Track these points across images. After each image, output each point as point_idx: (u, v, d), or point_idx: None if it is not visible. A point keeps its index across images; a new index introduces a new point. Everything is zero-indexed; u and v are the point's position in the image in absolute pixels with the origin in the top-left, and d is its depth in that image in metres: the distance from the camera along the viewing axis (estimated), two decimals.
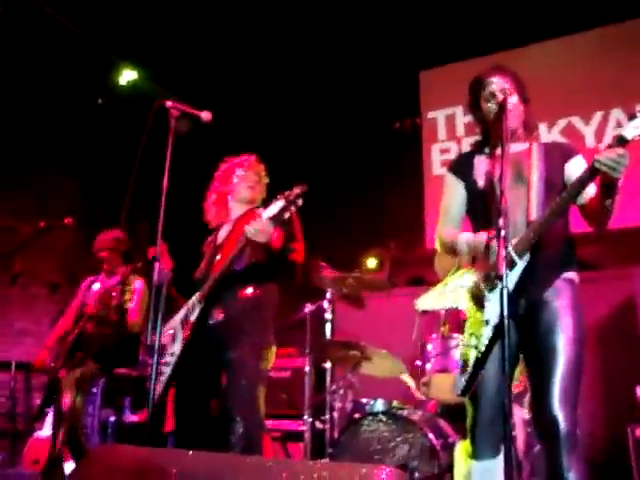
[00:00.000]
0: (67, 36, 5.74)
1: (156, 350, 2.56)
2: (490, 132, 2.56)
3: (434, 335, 3.90)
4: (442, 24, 5.97)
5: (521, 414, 3.48)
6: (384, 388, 4.26)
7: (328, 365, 4.21)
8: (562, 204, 2.22)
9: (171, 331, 2.89)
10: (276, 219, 2.66)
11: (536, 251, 2.26)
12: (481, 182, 2.51)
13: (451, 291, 2.44)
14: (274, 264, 2.90)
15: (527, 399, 3.44)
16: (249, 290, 2.88)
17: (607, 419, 4.54)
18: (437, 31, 6.03)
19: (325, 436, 4.06)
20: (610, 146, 2.09)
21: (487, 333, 2.24)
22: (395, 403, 3.81)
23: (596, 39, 5.78)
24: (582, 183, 2.19)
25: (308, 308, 4.32)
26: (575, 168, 2.40)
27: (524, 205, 2.37)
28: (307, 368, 4.24)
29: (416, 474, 3.33)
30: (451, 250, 2.52)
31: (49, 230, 4.17)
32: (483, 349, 2.23)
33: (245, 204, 3.25)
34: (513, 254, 2.22)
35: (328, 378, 4.18)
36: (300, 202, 2.67)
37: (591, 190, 2.32)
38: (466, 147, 6.10)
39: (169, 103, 2.77)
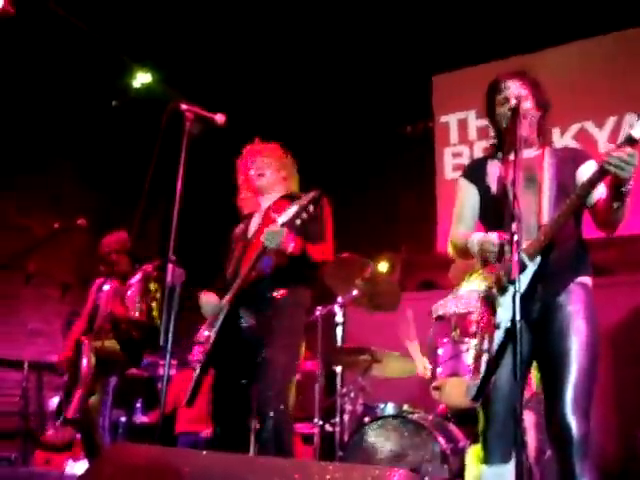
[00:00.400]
0: (82, 39, 5.79)
1: (168, 351, 2.57)
2: (503, 137, 2.55)
3: (445, 339, 3.89)
4: (455, 28, 5.97)
5: (532, 419, 3.46)
6: (395, 392, 4.26)
7: (339, 368, 4.21)
8: (572, 205, 2.21)
9: (206, 332, 2.90)
10: (290, 225, 2.65)
11: (548, 254, 2.25)
12: (494, 187, 2.51)
13: (464, 295, 2.44)
14: (297, 267, 2.88)
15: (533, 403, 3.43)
16: (277, 293, 2.88)
17: (619, 426, 4.51)
18: (450, 35, 6.03)
19: (335, 439, 4.05)
20: (619, 146, 2.08)
21: (499, 337, 2.23)
22: (405, 407, 3.81)
23: (610, 44, 5.75)
24: (591, 183, 2.18)
25: (319, 311, 4.32)
26: (586, 173, 2.37)
27: (535, 209, 2.36)
28: (318, 371, 4.24)
29: (426, 479, 3.32)
30: (463, 252, 2.51)
31: (63, 231, 4.20)
32: (494, 353, 2.23)
33: (270, 193, 3.19)
34: (524, 257, 2.22)
35: (339, 381, 4.18)
36: (312, 208, 2.66)
37: (601, 191, 2.31)
38: (478, 151, 6.10)
39: (183, 106, 2.78)
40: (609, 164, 2.07)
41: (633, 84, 5.52)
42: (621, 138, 2.09)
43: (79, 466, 4.16)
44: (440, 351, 3.85)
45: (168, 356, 2.59)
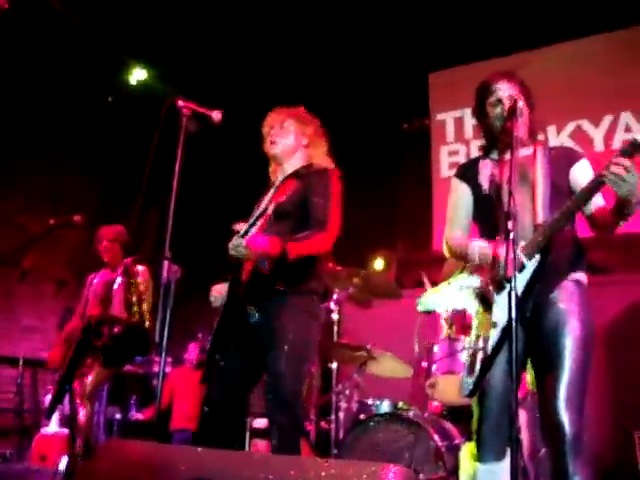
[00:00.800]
0: (78, 35, 5.78)
1: (163, 348, 2.56)
2: (496, 137, 2.56)
3: (441, 337, 3.90)
4: (452, 26, 5.97)
5: (526, 417, 3.48)
6: (390, 389, 4.27)
7: (334, 365, 4.22)
8: (569, 210, 2.22)
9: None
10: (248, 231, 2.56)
11: (546, 254, 2.25)
12: (486, 186, 2.52)
13: (456, 292, 2.44)
14: (284, 266, 2.63)
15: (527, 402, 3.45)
16: (280, 287, 2.66)
17: (614, 424, 4.53)
18: (447, 33, 6.03)
19: (330, 436, 4.06)
20: (622, 152, 2.08)
21: (495, 335, 2.24)
22: (401, 404, 3.82)
23: (606, 43, 5.77)
24: (589, 192, 2.19)
25: None
26: (580, 172, 2.41)
27: (530, 208, 2.36)
28: (313, 369, 4.24)
29: (421, 476, 3.33)
30: (460, 257, 2.52)
31: (59, 227, 4.18)
32: (490, 351, 2.23)
33: (287, 162, 2.93)
34: (522, 256, 2.22)
35: (334, 378, 4.19)
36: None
37: (598, 201, 2.33)
38: (474, 149, 6.11)
39: (180, 102, 2.77)
40: (607, 177, 2.08)
41: (629, 82, 5.54)
42: (625, 145, 2.09)
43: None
44: (436, 348, 3.87)
45: (164, 353, 2.59)
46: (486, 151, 2.64)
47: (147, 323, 4.24)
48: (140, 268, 4.34)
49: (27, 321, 4.58)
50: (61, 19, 5.57)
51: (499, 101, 2.49)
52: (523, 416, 3.44)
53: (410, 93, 6.52)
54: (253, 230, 2.69)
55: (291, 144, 2.92)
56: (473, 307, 2.38)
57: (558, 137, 5.82)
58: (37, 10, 5.42)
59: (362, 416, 3.79)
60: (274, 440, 2.51)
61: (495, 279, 2.30)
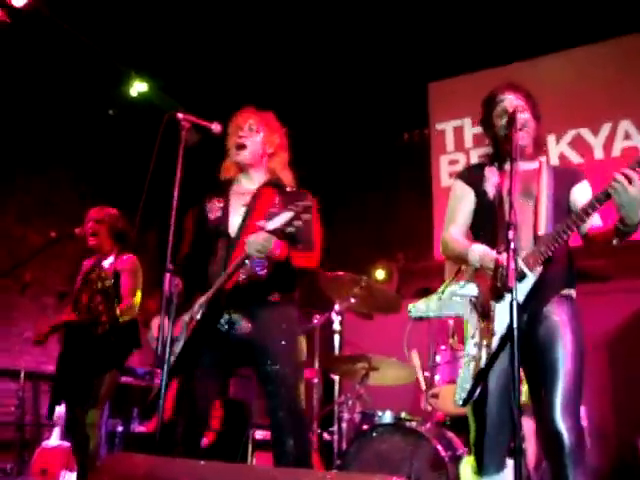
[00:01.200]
0: (79, 48, 5.81)
1: (166, 361, 2.55)
2: (501, 148, 2.57)
3: (443, 347, 3.90)
4: (451, 36, 6.00)
5: (532, 426, 3.46)
6: (392, 399, 4.26)
7: (336, 377, 4.21)
8: (575, 222, 2.24)
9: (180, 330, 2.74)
10: (279, 231, 2.43)
11: (547, 266, 2.27)
12: (491, 193, 2.53)
13: (450, 299, 2.42)
14: (278, 273, 2.67)
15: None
16: (274, 297, 2.67)
17: (617, 431, 4.51)
18: (446, 43, 6.06)
19: (333, 447, 4.05)
20: (631, 166, 2.11)
21: (493, 344, 2.24)
22: (403, 415, 3.81)
23: (605, 51, 5.79)
24: (598, 202, 2.21)
25: (317, 319, 4.32)
26: (580, 193, 2.46)
27: (531, 221, 2.39)
28: (315, 379, 4.24)
29: None
30: (458, 258, 2.50)
31: (59, 240, 4.16)
32: (487, 360, 2.23)
33: (249, 170, 2.86)
34: (523, 267, 2.23)
35: (336, 389, 4.18)
36: (308, 217, 2.44)
37: (595, 221, 2.37)
38: (474, 158, 6.13)
39: (180, 115, 2.77)
40: (611, 185, 2.12)
41: (628, 91, 5.56)
42: (634, 162, 2.12)
43: (74, 477, 4.12)
44: (438, 358, 3.87)
45: (166, 365, 2.57)
46: (492, 159, 2.64)
47: (125, 317, 3.90)
48: (127, 258, 4.03)
49: (28, 334, 4.56)
50: (62, 32, 5.60)
51: (504, 112, 2.50)
52: (528, 425, 3.42)
53: (409, 104, 6.54)
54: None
55: (258, 151, 2.86)
56: (468, 315, 2.37)
57: (558, 145, 5.83)
58: (38, 23, 5.45)
59: (365, 427, 3.77)
60: (288, 452, 2.48)
61: (494, 287, 2.30)
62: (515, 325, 1.97)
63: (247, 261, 2.56)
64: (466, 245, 2.44)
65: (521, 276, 2.21)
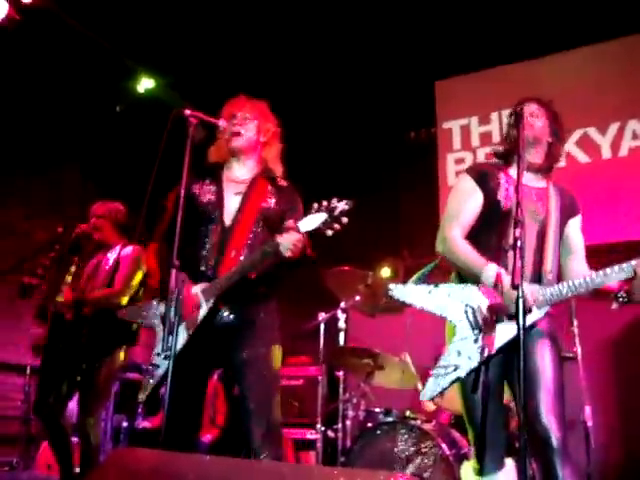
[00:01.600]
0: (86, 44, 5.82)
1: (171, 357, 2.55)
2: (511, 149, 2.59)
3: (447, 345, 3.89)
4: (458, 35, 5.98)
5: None
6: (397, 398, 4.26)
7: (341, 374, 4.21)
8: (589, 288, 2.26)
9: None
10: (312, 233, 2.34)
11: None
12: (507, 205, 2.48)
13: (444, 298, 2.38)
14: (284, 268, 2.62)
15: None
16: (260, 290, 2.65)
17: (622, 431, 4.50)
18: (453, 41, 6.04)
19: (337, 445, 4.06)
20: None
21: (475, 359, 2.26)
22: (408, 413, 3.81)
23: (613, 50, 5.77)
24: (618, 276, 2.26)
25: (322, 317, 4.33)
26: (574, 227, 2.56)
27: (535, 246, 2.42)
28: (320, 377, 4.24)
29: None
30: (464, 268, 2.45)
31: (66, 235, 4.18)
32: (465, 372, 2.26)
33: (242, 158, 2.84)
34: (531, 303, 2.24)
35: (341, 387, 4.18)
36: (345, 220, 2.31)
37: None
38: (481, 157, 6.12)
39: (187, 112, 2.77)
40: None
41: (636, 90, 5.53)
42: None
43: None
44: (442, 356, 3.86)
45: (171, 361, 2.58)
46: (500, 157, 2.64)
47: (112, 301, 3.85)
48: (129, 248, 4.03)
49: (37, 331, 4.58)
50: (69, 28, 5.61)
51: (516, 112, 2.48)
52: None
53: (416, 102, 6.53)
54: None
55: (252, 139, 2.83)
56: (458, 322, 2.33)
57: (565, 144, 5.81)
58: (45, 19, 5.46)
59: (369, 425, 3.78)
60: (253, 442, 2.44)
61: (502, 308, 2.28)
62: (522, 323, 1.98)
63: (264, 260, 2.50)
64: (480, 263, 2.36)
65: (528, 310, 2.22)
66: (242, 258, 2.61)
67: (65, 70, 6.06)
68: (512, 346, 2.28)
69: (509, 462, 2.45)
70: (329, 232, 2.31)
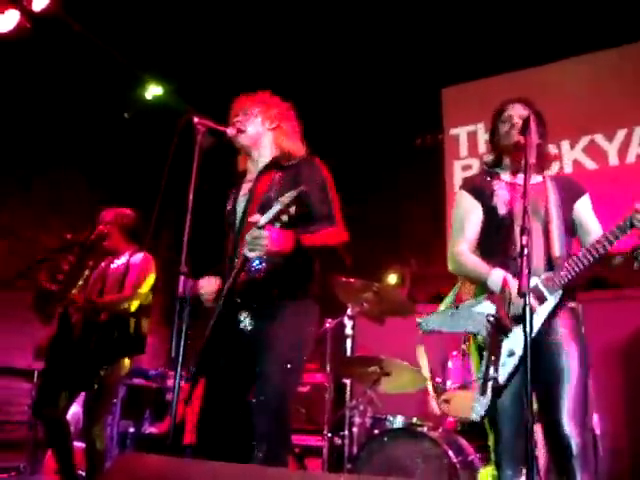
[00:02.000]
0: (94, 51, 5.86)
1: (179, 363, 2.56)
2: (503, 155, 2.60)
3: (455, 352, 3.89)
4: (465, 41, 6.00)
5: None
6: (404, 405, 4.25)
7: (348, 381, 4.21)
8: (598, 249, 2.27)
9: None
10: (273, 223, 2.28)
11: (566, 289, 2.32)
12: (503, 210, 2.52)
13: (467, 315, 2.43)
14: (292, 265, 2.52)
15: None
16: (275, 293, 2.55)
17: (630, 434, 4.48)
18: (459, 48, 6.06)
19: (344, 452, 4.04)
20: None
21: (511, 363, 2.25)
22: (415, 420, 3.80)
23: (620, 57, 5.76)
24: (622, 231, 2.25)
25: (329, 324, 4.33)
26: (584, 208, 2.53)
27: (541, 241, 2.41)
28: (327, 383, 4.24)
29: None
30: (473, 279, 2.50)
31: (74, 242, 4.19)
32: (505, 379, 2.25)
33: (257, 150, 2.83)
34: (544, 290, 2.25)
35: (348, 394, 4.17)
36: (293, 210, 2.28)
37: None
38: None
39: (195, 119, 2.78)
40: (634, 217, 2.16)
41: None
42: None
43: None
44: (450, 364, 3.86)
45: (179, 367, 2.58)
46: (492, 166, 2.66)
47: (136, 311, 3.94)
48: (139, 255, 4.07)
49: (42, 334, 4.61)
50: (77, 35, 5.65)
51: (509, 118, 2.54)
52: (540, 431, 3.40)
53: (422, 109, 6.54)
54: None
55: (257, 130, 2.80)
56: (485, 334, 2.37)
57: (572, 151, 5.80)
58: (54, 27, 5.50)
59: (376, 431, 3.78)
60: (259, 452, 2.37)
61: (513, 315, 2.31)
62: (529, 331, 1.98)
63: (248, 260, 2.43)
64: (486, 270, 2.41)
65: (541, 299, 2.23)
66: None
67: (74, 77, 6.10)
68: (535, 349, 2.30)
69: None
70: (285, 218, 2.28)
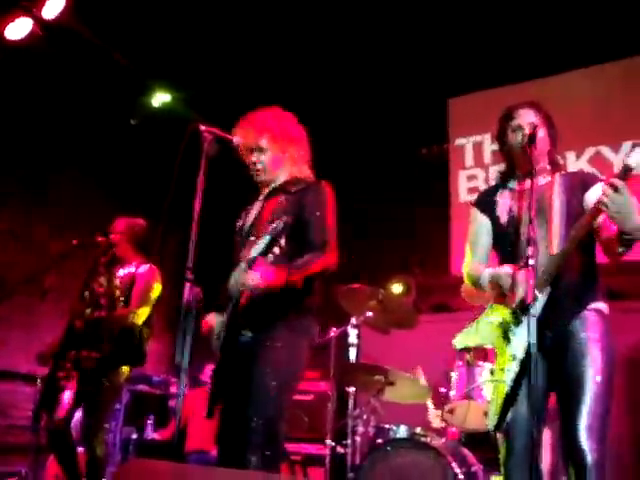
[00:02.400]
0: (102, 58, 5.90)
1: (183, 370, 2.57)
2: (515, 164, 2.59)
3: (459, 363, 3.89)
4: (471, 52, 6.02)
5: (549, 438, 3.44)
6: (407, 414, 4.24)
7: (351, 389, 4.20)
8: (575, 239, 2.25)
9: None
10: (263, 256, 2.42)
11: (556, 284, 2.27)
12: (504, 219, 2.55)
13: (484, 329, 2.46)
14: (282, 295, 2.59)
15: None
16: (275, 309, 2.63)
17: (635, 443, 4.46)
18: (466, 59, 6.08)
19: (346, 461, 4.04)
20: (618, 176, 2.10)
21: (514, 368, 2.25)
22: (418, 430, 3.79)
23: (626, 68, 5.77)
24: (591, 217, 2.22)
25: (333, 332, 4.33)
26: (593, 197, 2.38)
27: (545, 238, 2.39)
28: (330, 392, 4.23)
29: None
30: (476, 285, 2.57)
31: (81, 248, 4.23)
32: (511, 384, 2.24)
33: (274, 178, 2.92)
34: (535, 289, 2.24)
35: (351, 403, 4.17)
36: (282, 242, 2.44)
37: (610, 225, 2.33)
38: (493, 175, 6.11)
39: (202, 127, 2.81)
40: (601, 199, 2.11)
41: None
42: (618, 168, 2.13)
43: None
44: (454, 375, 3.85)
45: (182, 375, 2.59)
46: (504, 178, 2.66)
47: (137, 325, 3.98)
48: (146, 266, 4.12)
49: (48, 339, 4.62)
50: (85, 42, 5.70)
51: (519, 127, 2.52)
52: (546, 437, 3.40)
53: (428, 119, 6.55)
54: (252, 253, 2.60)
55: (273, 163, 2.87)
56: (495, 341, 2.40)
57: (577, 162, 5.81)
58: (64, 34, 5.55)
59: (379, 441, 3.77)
60: (252, 459, 2.41)
61: (513, 312, 2.32)
62: (533, 341, 1.98)
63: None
64: (479, 271, 2.51)
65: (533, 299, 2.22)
66: None
67: (82, 84, 6.14)
68: (559, 355, 2.30)
69: None
70: (276, 250, 2.42)
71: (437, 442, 3.56)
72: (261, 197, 2.94)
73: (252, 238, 2.74)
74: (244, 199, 3.11)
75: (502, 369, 2.30)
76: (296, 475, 4.04)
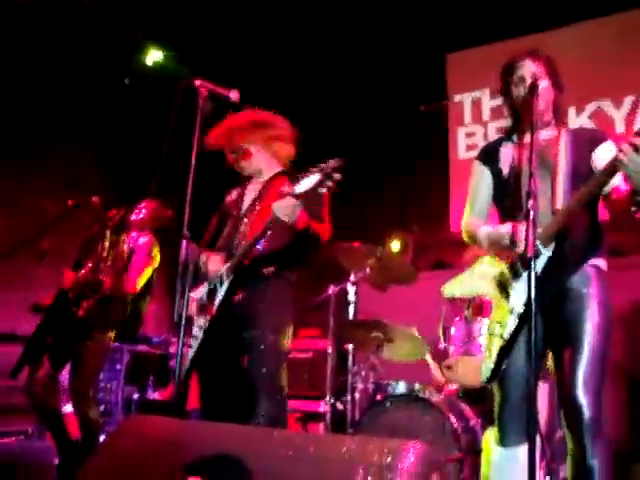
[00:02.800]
0: (94, 17, 5.78)
1: (182, 328, 2.57)
2: (519, 117, 2.54)
3: (457, 318, 3.90)
4: (469, 6, 5.90)
5: (546, 393, 3.47)
6: (406, 370, 4.27)
7: (350, 347, 4.23)
8: (584, 196, 2.20)
9: (198, 301, 2.85)
10: (309, 195, 2.37)
11: (562, 240, 2.25)
12: (505, 171, 2.52)
13: (477, 278, 2.45)
14: (295, 245, 2.77)
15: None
16: (270, 270, 2.78)
17: (631, 408, 4.50)
18: (464, 13, 5.96)
19: (346, 417, 4.09)
20: (637, 134, 2.04)
21: (512, 322, 2.24)
22: (417, 385, 3.82)
23: (628, 21, 5.65)
24: (605, 176, 2.16)
25: (332, 290, 4.33)
26: (603, 155, 2.35)
27: (548, 193, 2.35)
28: (329, 349, 4.26)
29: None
30: (474, 241, 2.56)
31: (76, 208, 4.21)
32: (508, 338, 2.24)
33: (262, 172, 3.07)
34: (538, 244, 2.21)
35: (350, 359, 4.20)
36: (338, 176, 2.35)
37: (618, 182, 2.29)
38: (492, 131, 6.05)
39: (197, 82, 2.75)
40: (618, 157, 2.05)
41: None
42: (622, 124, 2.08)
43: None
44: (452, 330, 3.87)
45: (181, 333, 2.60)
46: (509, 132, 2.62)
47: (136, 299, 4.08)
48: (145, 239, 4.18)
49: (45, 301, 4.63)
50: (76, 1, 5.57)
51: (521, 79, 2.47)
52: (543, 391, 3.43)
53: (427, 75, 6.45)
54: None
55: (258, 161, 3.03)
56: (492, 293, 2.39)
57: (578, 118, 5.73)
58: None
59: (378, 397, 3.80)
60: (255, 417, 2.53)
61: (513, 265, 2.30)
62: (533, 296, 1.96)
63: (269, 231, 2.59)
64: (477, 229, 2.50)
65: (537, 254, 2.19)
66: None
67: (73, 44, 6.03)
68: (557, 311, 2.29)
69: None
70: (324, 190, 2.37)
71: (435, 397, 3.59)
72: (254, 179, 3.07)
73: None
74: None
75: (499, 322, 2.29)
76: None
